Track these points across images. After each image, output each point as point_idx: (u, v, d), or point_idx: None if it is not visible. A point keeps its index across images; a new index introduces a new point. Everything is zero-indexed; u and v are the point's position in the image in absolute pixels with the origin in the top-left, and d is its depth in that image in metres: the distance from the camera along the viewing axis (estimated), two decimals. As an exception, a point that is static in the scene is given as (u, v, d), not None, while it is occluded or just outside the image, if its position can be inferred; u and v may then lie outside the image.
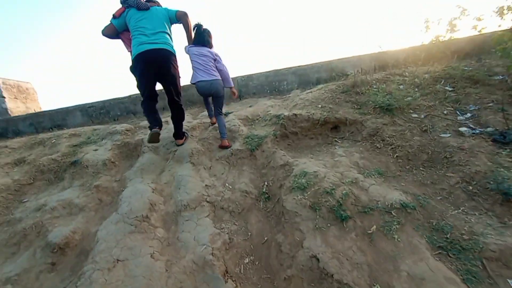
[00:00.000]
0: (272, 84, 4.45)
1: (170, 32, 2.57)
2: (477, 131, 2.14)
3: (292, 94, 3.93)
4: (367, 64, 4.10)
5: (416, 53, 3.79)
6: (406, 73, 3.36)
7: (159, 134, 2.42)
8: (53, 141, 3.16)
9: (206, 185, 2.18)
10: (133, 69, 2.47)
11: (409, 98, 2.67)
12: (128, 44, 2.66)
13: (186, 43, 2.69)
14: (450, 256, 1.33)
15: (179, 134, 2.71)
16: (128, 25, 2.48)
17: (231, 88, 2.79)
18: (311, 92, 3.41)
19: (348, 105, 2.87)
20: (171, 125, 2.77)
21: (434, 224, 1.51)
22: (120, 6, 2.49)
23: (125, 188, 2.18)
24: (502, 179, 1.59)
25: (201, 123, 3.26)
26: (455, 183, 1.76)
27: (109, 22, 2.51)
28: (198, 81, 2.57)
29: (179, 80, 2.60)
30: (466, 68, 3.10)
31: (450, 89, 2.82)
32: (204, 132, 3.07)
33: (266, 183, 2.20)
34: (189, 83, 2.79)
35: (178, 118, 2.63)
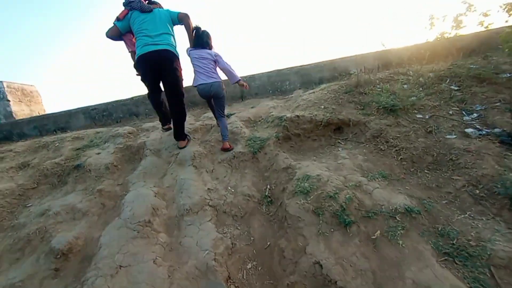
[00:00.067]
0: (275, 84, 4.42)
1: (173, 33, 2.64)
2: (484, 132, 2.09)
3: (294, 94, 3.90)
4: (371, 63, 4.04)
5: (421, 51, 3.72)
6: (410, 72, 3.30)
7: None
8: (56, 145, 3.18)
9: (208, 189, 2.18)
10: (137, 67, 2.63)
11: (414, 98, 2.63)
12: (129, 45, 2.71)
13: (188, 44, 2.71)
14: (456, 263, 1.30)
15: (179, 135, 2.70)
16: (131, 27, 2.56)
17: (238, 82, 2.64)
18: (313, 92, 3.37)
19: (351, 105, 2.83)
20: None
21: (439, 229, 1.48)
22: (124, 8, 2.56)
23: (128, 192, 2.18)
24: (511, 183, 1.55)
25: (203, 125, 3.25)
26: (461, 187, 1.73)
27: (113, 24, 2.59)
28: (199, 84, 2.59)
29: (181, 81, 2.65)
30: (472, 66, 3.03)
31: (456, 88, 2.77)
32: (206, 134, 3.07)
33: (268, 186, 2.19)
34: (190, 85, 2.80)
35: (178, 119, 2.64)
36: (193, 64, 2.63)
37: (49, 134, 4.18)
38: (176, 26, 2.69)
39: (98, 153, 2.77)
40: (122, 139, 3.04)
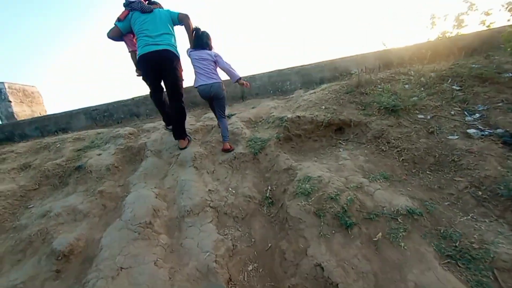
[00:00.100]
0: (275, 84, 4.41)
1: (174, 34, 2.65)
2: (486, 133, 2.08)
3: (295, 95, 3.89)
4: (371, 62, 4.03)
5: (422, 51, 3.70)
6: (412, 72, 3.28)
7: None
8: (57, 146, 3.18)
9: (209, 190, 2.17)
10: (138, 67, 2.65)
11: (415, 98, 2.61)
12: (130, 45, 2.73)
13: (188, 45, 2.72)
14: (459, 266, 1.29)
15: (179, 134, 2.70)
16: (132, 28, 2.58)
17: (239, 81, 2.64)
18: (314, 92, 3.36)
19: (352, 106, 2.82)
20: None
21: (442, 231, 1.47)
22: (124, 9, 2.58)
23: (129, 194, 2.19)
24: (514, 184, 1.54)
25: (204, 125, 3.24)
26: (464, 188, 1.71)
27: (114, 25, 2.60)
28: (199, 85, 2.61)
29: (181, 81, 2.66)
30: (474, 66, 3.01)
31: (458, 88, 2.75)
32: (207, 135, 3.07)
33: (269, 187, 2.18)
34: (191, 85, 2.81)
35: (178, 119, 2.65)
36: (193, 65, 2.65)
37: (50, 135, 4.19)
38: (176, 26, 2.70)
39: (99, 154, 2.77)
40: (123, 140, 3.04)
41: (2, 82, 4.99)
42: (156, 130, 3.30)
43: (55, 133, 4.24)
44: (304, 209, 1.73)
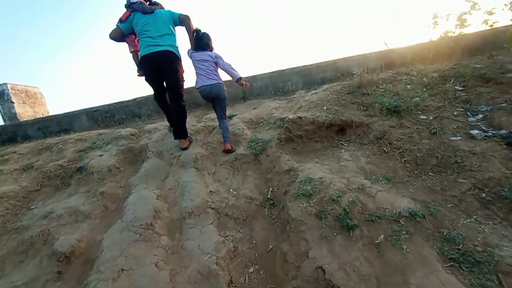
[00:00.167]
0: (276, 84, 4.40)
1: (175, 34, 2.67)
2: (490, 134, 2.06)
3: (296, 95, 3.89)
4: (373, 63, 4.00)
5: (424, 51, 3.68)
6: (414, 72, 3.27)
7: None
8: (59, 147, 3.19)
9: (210, 191, 2.17)
10: (141, 68, 2.68)
11: (417, 99, 2.60)
12: (131, 45, 2.75)
13: (189, 46, 2.75)
14: (463, 269, 1.27)
15: (180, 134, 2.70)
16: (134, 29, 2.60)
17: (239, 81, 2.65)
18: (316, 93, 3.35)
19: (354, 106, 2.81)
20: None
21: (445, 234, 1.45)
22: (126, 10, 2.60)
23: (130, 195, 2.19)
24: (517, 186, 1.52)
25: (205, 126, 3.25)
26: (467, 190, 1.70)
27: (116, 26, 2.63)
28: (200, 86, 2.64)
29: (182, 82, 2.67)
30: (477, 66, 2.99)
31: (460, 88, 2.73)
32: (208, 136, 3.07)
33: (270, 189, 2.17)
34: (193, 85, 2.89)
35: (179, 119, 2.66)
36: (195, 66, 2.68)
37: (53, 135, 4.21)
38: (177, 27, 2.71)
39: (101, 155, 2.78)
40: (125, 141, 3.04)
41: (5, 83, 5.01)
42: (157, 131, 3.30)
43: (57, 134, 4.26)
44: (306, 210, 1.72)
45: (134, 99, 4.45)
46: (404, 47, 4.21)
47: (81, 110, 4.51)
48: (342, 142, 2.59)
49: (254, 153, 2.52)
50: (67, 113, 4.52)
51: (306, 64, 4.43)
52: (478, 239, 1.38)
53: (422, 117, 2.42)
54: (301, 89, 4.24)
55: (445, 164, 1.96)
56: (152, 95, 2.84)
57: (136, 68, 2.80)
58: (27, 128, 4.49)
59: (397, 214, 1.56)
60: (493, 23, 3.74)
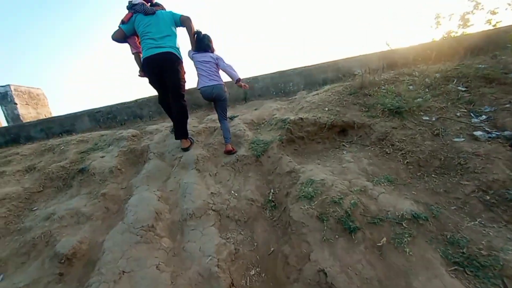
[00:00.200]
0: (278, 85, 4.40)
1: (176, 35, 2.69)
2: (494, 135, 2.03)
3: (298, 96, 3.88)
4: (375, 63, 3.99)
5: (426, 51, 3.66)
6: (416, 73, 3.25)
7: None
8: (62, 148, 3.21)
9: (211, 193, 2.17)
10: (143, 69, 2.70)
11: (420, 100, 2.58)
12: (133, 47, 2.77)
13: (189, 46, 2.79)
14: (467, 273, 1.25)
15: (181, 134, 2.70)
16: (136, 30, 2.63)
17: (238, 82, 2.68)
18: (317, 94, 3.34)
19: (356, 107, 2.79)
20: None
21: (448, 237, 1.44)
22: (128, 12, 2.62)
23: (131, 196, 2.19)
24: (522, 188, 1.50)
25: (206, 127, 3.24)
26: (471, 192, 1.68)
27: (118, 27, 2.65)
28: (201, 87, 2.66)
29: (183, 82, 2.70)
30: (480, 66, 2.96)
31: (463, 89, 2.70)
32: (210, 137, 3.06)
33: (272, 190, 2.16)
34: (194, 87, 2.92)
35: (179, 118, 2.67)
36: (196, 67, 2.70)
37: (55, 136, 4.23)
38: (178, 28, 2.73)
39: (102, 157, 2.78)
40: (126, 142, 3.05)
41: (8, 85, 5.05)
42: (159, 132, 3.31)
43: (60, 135, 4.28)
44: (307, 213, 1.71)
45: (136, 100, 4.46)
46: (406, 47, 4.19)
47: (83, 111, 4.53)
48: (343, 144, 2.58)
49: (255, 155, 2.51)
50: (70, 114, 4.54)
51: (308, 64, 4.42)
52: (483, 242, 1.36)
53: (424, 118, 2.40)
54: (303, 89, 4.23)
55: (448, 166, 1.94)
56: (154, 96, 2.86)
57: (138, 69, 2.82)
58: (30, 129, 4.52)
59: (399, 216, 1.55)
60: (496, 22, 3.71)
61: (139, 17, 2.55)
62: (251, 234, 1.87)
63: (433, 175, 1.93)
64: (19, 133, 4.53)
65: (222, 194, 2.17)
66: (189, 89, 3.62)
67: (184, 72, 2.73)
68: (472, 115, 2.35)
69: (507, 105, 2.32)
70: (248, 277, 1.60)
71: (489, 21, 3.72)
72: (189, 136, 2.81)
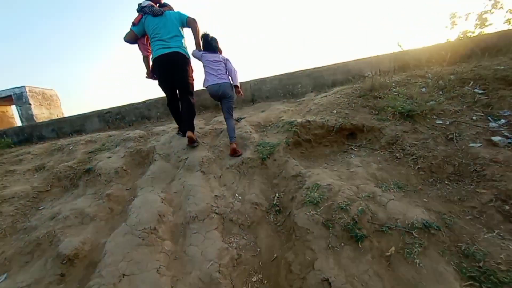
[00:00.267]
0: (286, 87, 4.34)
1: (183, 35, 2.78)
2: (513, 141, 1.91)
3: (306, 98, 3.81)
4: (386, 65, 3.88)
5: (441, 52, 3.52)
6: (429, 75, 3.13)
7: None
8: (71, 148, 3.26)
9: (215, 196, 2.13)
10: (154, 69, 2.77)
11: (433, 103, 2.47)
12: (142, 49, 2.84)
13: (193, 47, 2.88)
14: (483, 290, 1.16)
15: (188, 126, 2.72)
16: (146, 31, 2.73)
17: (236, 88, 2.83)
18: (326, 96, 3.27)
19: (365, 110, 2.71)
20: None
21: (463, 248, 1.34)
22: (138, 14, 2.73)
23: (136, 197, 2.18)
24: (545, 198, 1.39)
25: (212, 129, 3.23)
26: (488, 201, 1.57)
27: (130, 30, 2.76)
28: (209, 85, 2.73)
29: (192, 81, 2.79)
30: (498, 67, 2.82)
31: (480, 91, 2.58)
32: (216, 139, 3.04)
33: (277, 194, 2.11)
34: (202, 88, 2.94)
35: (188, 113, 2.73)
36: (205, 66, 2.77)
37: (66, 136, 4.33)
38: (184, 28, 2.81)
39: (109, 157, 2.81)
40: (133, 143, 3.07)
41: (23, 86, 5.20)
42: (166, 133, 3.31)
43: (70, 135, 4.37)
44: (312, 219, 1.65)
45: (144, 101, 4.51)
46: (419, 48, 4.05)
47: (93, 112, 4.61)
48: (352, 147, 2.50)
49: (261, 157, 2.46)
50: (80, 114, 4.64)
51: (316, 66, 4.34)
52: (501, 256, 1.26)
53: (437, 122, 2.30)
54: (311, 92, 4.16)
55: (463, 173, 1.83)
56: (162, 97, 2.91)
57: (146, 71, 2.92)
58: (42, 129, 4.64)
59: (409, 225, 1.46)
60: (516, 22, 3.53)
61: (149, 19, 2.64)
62: (254, 239, 1.82)
63: (446, 182, 1.83)
64: (32, 133, 4.66)
65: (226, 197, 2.14)
66: (196, 91, 3.62)
67: (192, 71, 2.82)
68: (490, 119, 2.22)
69: (528, 109, 2.19)
70: (249, 284, 1.55)
71: (508, 21, 3.55)
72: (195, 131, 2.84)
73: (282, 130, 2.78)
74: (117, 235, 1.78)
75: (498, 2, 3.46)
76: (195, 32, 2.73)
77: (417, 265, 1.31)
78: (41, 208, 2.33)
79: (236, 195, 2.17)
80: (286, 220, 1.87)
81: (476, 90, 2.59)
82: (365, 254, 1.42)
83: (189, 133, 2.65)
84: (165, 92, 2.84)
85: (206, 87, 2.77)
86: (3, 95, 6.13)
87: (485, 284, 1.18)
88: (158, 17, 2.62)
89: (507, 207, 1.49)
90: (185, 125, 2.74)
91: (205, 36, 2.76)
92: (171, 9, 2.79)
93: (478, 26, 3.73)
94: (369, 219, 1.55)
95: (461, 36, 3.88)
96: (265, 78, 4.41)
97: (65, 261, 1.67)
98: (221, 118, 3.40)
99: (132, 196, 2.30)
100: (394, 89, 2.88)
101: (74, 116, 4.65)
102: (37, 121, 5.19)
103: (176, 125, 3.21)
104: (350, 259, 1.42)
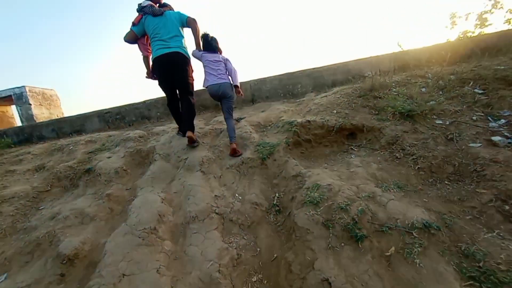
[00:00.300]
0: (286, 87, 4.34)
1: (183, 35, 2.79)
2: (513, 141, 1.91)
3: (306, 98, 3.81)
4: (386, 65, 3.88)
5: (441, 52, 3.52)
6: (429, 75, 3.13)
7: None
8: (71, 148, 3.26)
9: (215, 196, 2.13)
10: (154, 69, 2.77)
11: (433, 103, 2.47)
12: (142, 49, 2.84)
13: (193, 47, 2.88)
14: (483, 290, 1.16)
15: (188, 126, 2.73)
16: (146, 31, 2.72)
17: (235, 88, 2.83)
18: (326, 96, 3.27)
19: (365, 110, 2.71)
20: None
21: (463, 248, 1.34)
22: (138, 14, 2.72)
23: (136, 197, 2.18)
24: (545, 198, 1.39)
25: (212, 129, 3.23)
26: (488, 201, 1.57)
27: (130, 30, 2.76)
28: (209, 84, 2.72)
29: (192, 81, 2.79)
30: (499, 67, 2.82)
31: (480, 91, 2.58)
32: (216, 139, 3.04)
33: (277, 194, 2.11)
34: (202, 88, 2.94)
35: (188, 113, 2.73)
36: (206, 66, 2.76)
37: (66, 136, 4.33)
38: (184, 28, 2.81)
39: (109, 157, 2.81)
40: (133, 143, 3.07)
41: (23, 86, 5.20)
42: (166, 133, 3.31)
43: (70, 135, 4.37)
44: (312, 219, 1.65)
45: (144, 101, 4.51)
46: (419, 48, 4.05)
47: (93, 112, 4.61)
48: (352, 147, 2.50)
49: (261, 157, 2.46)
50: (80, 114, 4.64)
51: (316, 66, 4.34)
52: (502, 256, 1.26)
53: (437, 122, 2.30)
54: (311, 91, 4.16)
55: (463, 173, 1.83)
56: (162, 97, 2.91)
57: (146, 71, 2.92)
58: (42, 129, 4.64)
59: (409, 225, 1.47)
60: (516, 22, 3.53)
61: (149, 19, 2.64)
62: (254, 239, 1.82)
63: (446, 182, 1.83)
64: (32, 133, 4.66)
65: (226, 197, 2.13)
66: (196, 91, 3.62)
67: (192, 71, 2.82)
68: (490, 119, 2.22)
69: (528, 109, 2.19)
70: (249, 284, 1.55)
71: (508, 21, 3.55)
72: (195, 131, 2.84)
73: (282, 130, 2.78)
74: (117, 235, 1.78)
75: (498, 2, 3.46)
76: (195, 32, 2.73)
77: (417, 265, 1.31)
78: (41, 208, 2.33)
79: (236, 195, 2.17)
80: (286, 220, 1.87)
81: (476, 90, 2.59)
82: (365, 254, 1.42)
83: (189, 133, 2.65)
84: (165, 92, 2.84)
85: (206, 87, 2.77)
86: (3, 95, 6.14)
87: (485, 284, 1.18)
88: (158, 17, 2.62)
89: (507, 207, 1.49)
90: (185, 125, 2.74)
91: (205, 36, 2.76)
92: (171, 9, 2.79)
93: (478, 26, 3.74)
94: (369, 219, 1.55)
95: (461, 36, 3.88)
96: (265, 78, 4.41)
97: (65, 261, 1.67)
98: (221, 118, 3.40)
99: (132, 196, 2.30)
100: (394, 89, 2.88)
101: (74, 116, 4.65)
102: (37, 121, 5.18)
103: (176, 125, 3.21)
104: (350, 259, 1.42)
